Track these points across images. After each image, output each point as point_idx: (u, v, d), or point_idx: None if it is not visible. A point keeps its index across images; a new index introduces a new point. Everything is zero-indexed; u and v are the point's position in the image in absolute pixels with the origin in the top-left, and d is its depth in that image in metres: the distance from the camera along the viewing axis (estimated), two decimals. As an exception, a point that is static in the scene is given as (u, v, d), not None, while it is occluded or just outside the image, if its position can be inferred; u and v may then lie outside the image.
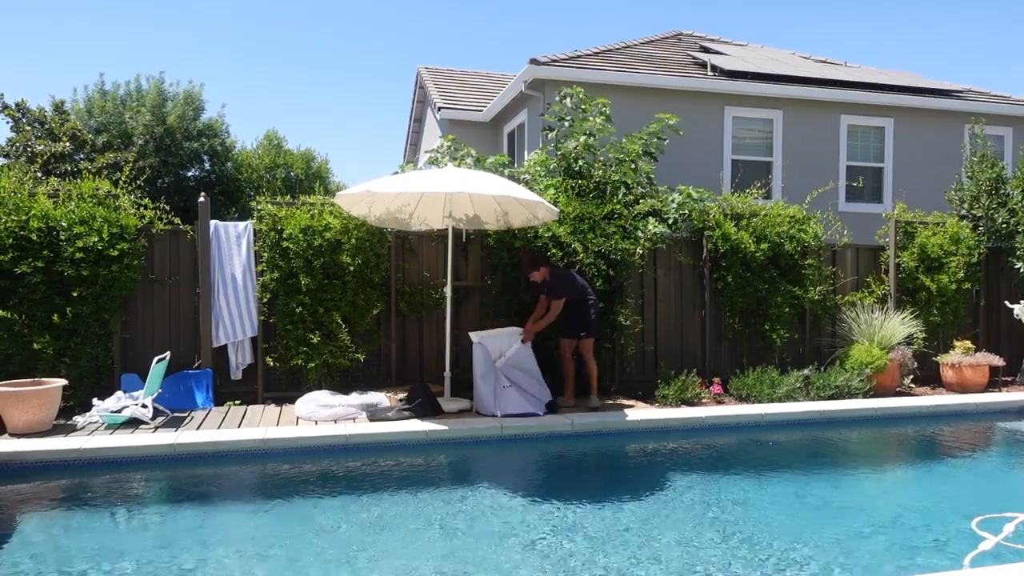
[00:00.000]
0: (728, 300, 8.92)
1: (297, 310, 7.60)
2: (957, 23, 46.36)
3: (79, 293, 7.00)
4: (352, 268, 7.69)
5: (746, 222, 8.94)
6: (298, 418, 6.91)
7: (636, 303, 8.78)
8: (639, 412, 7.37)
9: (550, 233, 8.10)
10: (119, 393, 6.99)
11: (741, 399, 8.19)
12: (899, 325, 8.97)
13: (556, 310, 7.32)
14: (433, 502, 5.08)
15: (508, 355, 7.32)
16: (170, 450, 5.90)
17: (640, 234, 8.44)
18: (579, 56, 12.41)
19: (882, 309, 9.37)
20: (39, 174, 13.66)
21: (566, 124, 9.21)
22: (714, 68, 12.63)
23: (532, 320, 7.54)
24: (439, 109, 14.52)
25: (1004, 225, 9.89)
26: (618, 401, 8.00)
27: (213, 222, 7.78)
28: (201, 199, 7.82)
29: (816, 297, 9.20)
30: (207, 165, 20.42)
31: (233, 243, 7.79)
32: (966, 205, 10.31)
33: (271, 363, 7.78)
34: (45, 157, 14.80)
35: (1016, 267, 9.79)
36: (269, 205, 7.81)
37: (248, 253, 7.80)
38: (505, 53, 52.10)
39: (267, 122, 50.01)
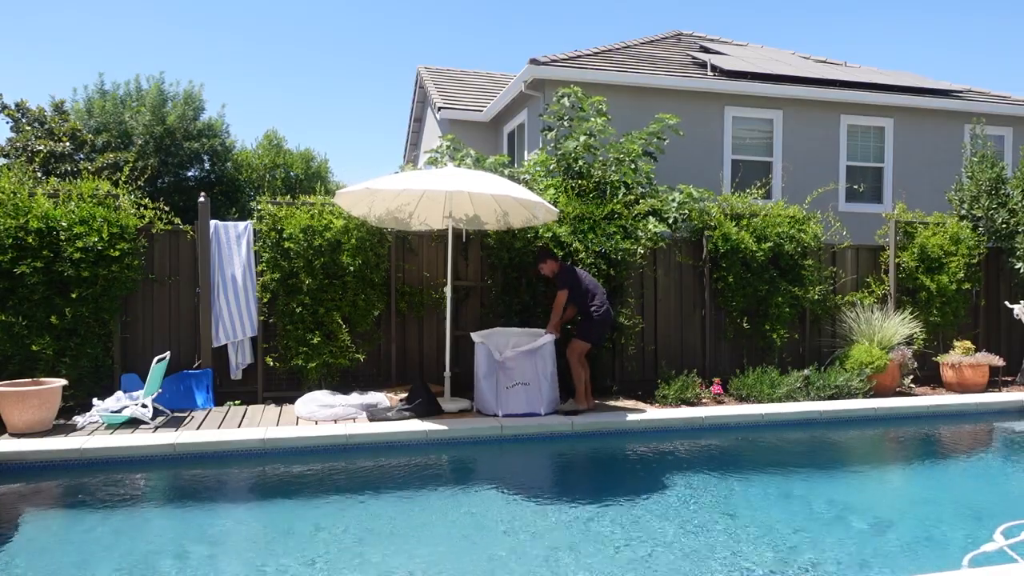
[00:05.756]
0: (728, 300, 8.92)
1: (297, 310, 7.61)
2: (957, 23, 46.40)
3: (79, 294, 7.00)
4: (352, 268, 7.69)
5: (746, 222, 8.94)
6: (298, 418, 6.91)
7: (636, 303, 8.78)
8: (639, 412, 7.37)
9: (550, 233, 8.10)
10: (119, 393, 6.99)
11: (741, 399, 8.19)
12: (899, 325, 8.97)
13: (559, 301, 7.27)
14: (432, 502, 5.08)
15: (526, 348, 7.15)
16: (170, 450, 5.90)
17: (640, 234, 8.44)
18: (579, 56, 12.41)
19: (882, 309, 9.38)
20: (39, 174, 13.66)
21: (565, 124, 9.21)
22: (714, 68, 12.63)
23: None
24: (439, 109, 14.52)
25: (1004, 225, 9.89)
26: (618, 401, 8.00)
27: (213, 222, 7.78)
28: (201, 199, 7.82)
29: (816, 297, 9.20)
30: (207, 165, 20.44)
31: (233, 243, 7.79)
32: (966, 205, 10.31)
33: (271, 363, 7.79)
34: (44, 156, 14.80)
35: (1016, 267, 9.79)
36: (269, 205, 7.81)
37: (248, 253, 7.80)
38: (505, 53, 52.16)
39: (267, 122, 50.13)
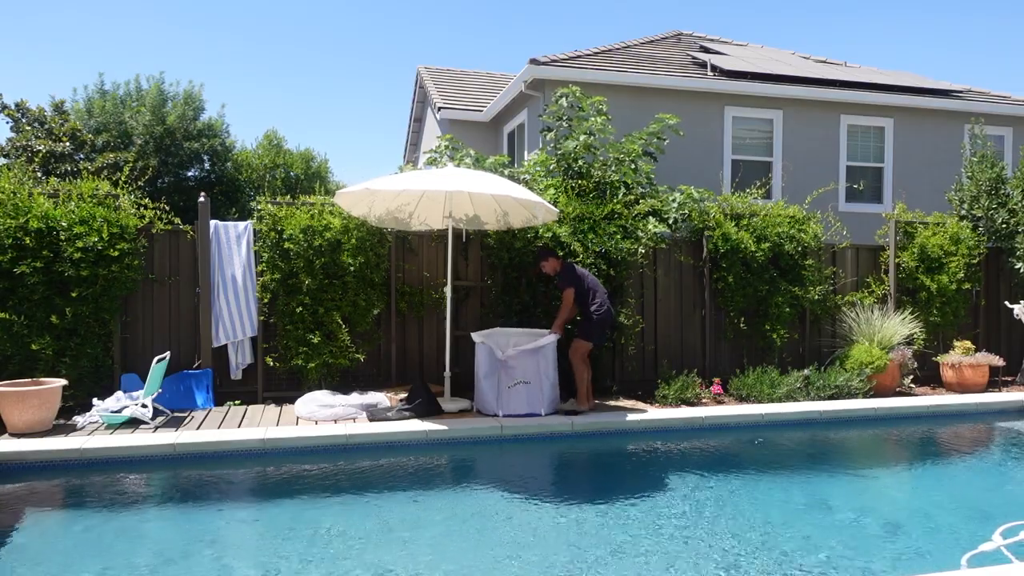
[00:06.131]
0: (728, 300, 8.92)
1: (297, 310, 7.60)
2: (957, 23, 46.42)
3: (79, 293, 7.00)
4: (352, 268, 7.69)
5: (746, 222, 8.94)
6: (298, 418, 6.91)
7: (636, 303, 8.78)
8: (639, 412, 7.37)
9: (550, 233, 8.10)
10: (119, 393, 6.99)
11: (741, 399, 8.19)
12: (899, 325, 8.97)
13: (567, 300, 7.26)
14: (432, 502, 5.08)
15: (530, 347, 7.11)
16: (170, 450, 5.90)
17: (640, 234, 8.44)
18: (579, 56, 12.41)
19: (882, 309, 9.37)
20: (39, 174, 13.66)
21: (564, 125, 9.21)
22: (714, 68, 12.63)
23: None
24: (439, 109, 14.51)
25: (1004, 225, 9.89)
26: (618, 401, 8.00)
27: (213, 222, 7.78)
28: (201, 199, 7.82)
29: (816, 297, 9.20)
30: (207, 165, 20.44)
31: (233, 243, 7.79)
32: (966, 205, 10.31)
33: (271, 363, 7.79)
34: (44, 156, 14.80)
35: (1016, 267, 9.79)
36: (269, 205, 7.81)
37: (248, 253, 7.80)
38: (505, 53, 52.17)
39: (267, 122, 50.15)
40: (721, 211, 8.94)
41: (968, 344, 9.37)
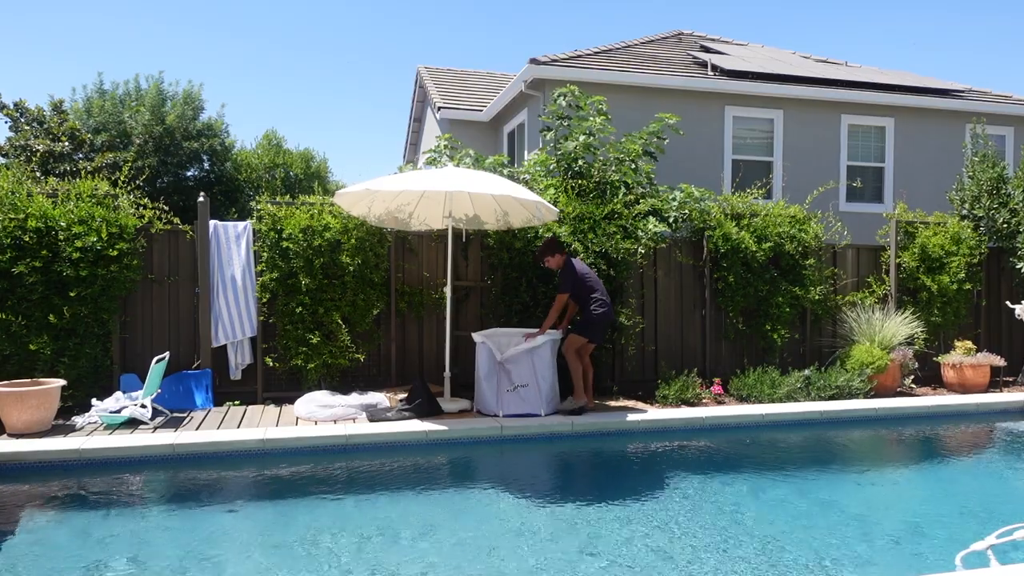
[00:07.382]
0: (729, 300, 8.90)
1: (297, 310, 7.59)
2: (957, 23, 46.43)
3: (77, 293, 6.98)
4: (352, 268, 7.68)
5: (747, 222, 8.93)
6: (298, 418, 6.90)
7: (637, 303, 8.76)
8: (639, 412, 7.35)
9: (550, 233, 8.08)
10: (118, 393, 6.97)
11: (741, 399, 8.18)
12: (900, 325, 8.96)
13: (557, 304, 7.14)
14: (432, 503, 5.07)
15: (526, 347, 7.08)
16: (169, 450, 5.88)
17: (640, 234, 8.41)
18: (579, 56, 12.39)
19: (883, 309, 9.36)
20: (38, 174, 13.63)
21: (564, 124, 9.18)
22: (715, 68, 12.61)
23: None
24: (439, 109, 14.50)
25: (1005, 225, 9.87)
26: (619, 401, 7.99)
27: (212, 222, 7.76)
28: (201, 199, 7.81)
29: (817, 297, 9.19)
30: (206, 165, 20.40)
31: (232, 243, 7.77)
32: (967, 205, 10.30)
33: (271, 363, 7.77)
34: (43, 155, 14.77)
35: (1017, 267, 9.77)
36: (269, 205, 7.79)
37: (247, 253, 7.78)
38: (505, 53, 52.14)
39: (267, 122, 50.05)
40: (721, 211, 8.93)
41: (969, 344, 9.36)
